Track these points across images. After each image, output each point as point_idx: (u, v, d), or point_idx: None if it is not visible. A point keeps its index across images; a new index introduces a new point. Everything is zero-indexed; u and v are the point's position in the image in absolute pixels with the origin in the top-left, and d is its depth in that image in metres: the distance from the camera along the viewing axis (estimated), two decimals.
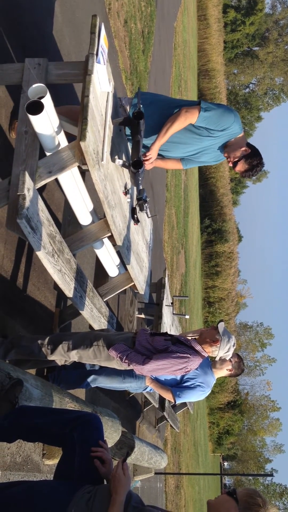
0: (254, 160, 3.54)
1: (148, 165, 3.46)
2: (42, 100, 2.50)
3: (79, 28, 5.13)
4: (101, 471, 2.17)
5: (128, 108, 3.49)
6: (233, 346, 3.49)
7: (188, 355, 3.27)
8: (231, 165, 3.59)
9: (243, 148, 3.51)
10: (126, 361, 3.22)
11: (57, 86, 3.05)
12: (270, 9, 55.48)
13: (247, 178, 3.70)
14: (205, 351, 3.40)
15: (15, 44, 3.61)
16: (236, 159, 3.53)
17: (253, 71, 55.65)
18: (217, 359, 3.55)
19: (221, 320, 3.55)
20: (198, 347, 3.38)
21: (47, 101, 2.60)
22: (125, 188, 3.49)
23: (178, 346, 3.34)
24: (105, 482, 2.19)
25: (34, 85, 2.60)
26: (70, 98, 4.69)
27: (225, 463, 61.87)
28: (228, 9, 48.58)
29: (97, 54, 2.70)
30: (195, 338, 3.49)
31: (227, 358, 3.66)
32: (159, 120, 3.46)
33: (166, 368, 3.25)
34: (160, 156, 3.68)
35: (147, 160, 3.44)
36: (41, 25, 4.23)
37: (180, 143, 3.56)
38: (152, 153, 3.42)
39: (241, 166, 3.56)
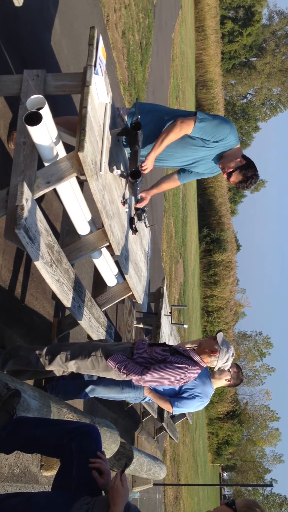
0: (248, 172, 3.53)
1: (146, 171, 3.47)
2: (40, 111, 2.52)
3: (77, 39, 5.17)
4: (99, 482, 2.16)
5: (126, 118, 3.51)
6: (232, 356, 3.47)
7: (187, 366, 3.26)
8: (225, 176, 3.59)
9: (238, 159, 3.50)
10: (124, 371, 3.21)
11: (55, 97, 3.08)
12: (267, 20, 55.99)
13: (241, 189, 3.70)
14: (203, 361, 3.38)
15: (13, 56, 3.64)
16: (230, 170, 3.53)
17: (250, 81, 56.01)
18: (215, 369, 3.53)
19: (220, 330, 3.54)
20: (196, 358, 3.37)
21: (46, 112, 2.62)
22: (123, 198, 3.50)
23: (176, 356, 3.33)
24: (103, 494, 2.17)
25: (32, 96, 2.62)
26: (68, 109, 4.71)
27: (225, 474, 61.53)
28: (226, 20, 49.02)
29: (95, 66, 2.72)
30: (193, 349, 3.48)
31: (226, 369, 3.65)
32: (156, 129, 3.48)
33: (165, 379, 3.24)
34: (156, 166, 3.69)
35: (144, 170, 3.45)
36: (39, 36, 4.27)
37: (175, 152, 3.57)
38: (148, 164, 3.43)
39: (235, 177, 3.55)
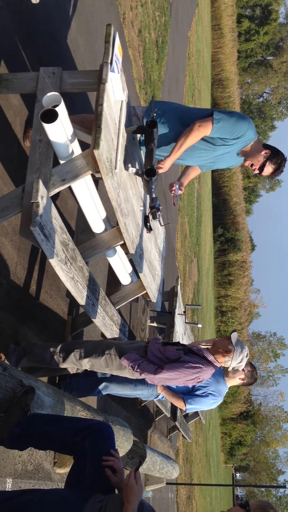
0: (278, 159, 3.53)
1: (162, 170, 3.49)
2: (56, 109, 2.52)
3: (93, 37, 5.17)
4: (112, 480, 2.16)
5: (141, 115, 3.50)
6: (246, 356, 3.45)
7: (201, 365, 3.24)
8: (257, 172, 3.57)
9: (264, 152, 3.49)
10: (138, 370, 3.20)
11: (71, 94, 3.07)
12: (284, 19, 55.55)
13: (276, 177, 3.68)
14: (217, 361, 3.36)
15: (30, 53, 3.65)
16: (261, 164, 3.52)
17: (267, 80, 55.64)
18: (229, 369, 3.51)
19: (234, 330, 3.52)
20: (210, 357, 3.35)
21: (62, 109, 2.62)
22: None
23: (190, 356, 3.31)
24: (116, 492, 2.17)
25: (48, 94, 2.62)
26: (84, 107, 4.72)
27: (237, 474, 61.28)
28: (242, 19, 48.73)
29: (111, 63, 2.72)
30: (207, 348, 3.47)
31: (240, 369, 3.62)
32: (173, 129, 3.47)
33: (178, 378, 3.22)
34: (175, 163, 3.69)
35: (158, 170, 3.45)
36: (56, 34, 4.27)
37: (195, 152, 3.56)
38: (166, 166, 3.43)
39: (269, 169, 3.54)
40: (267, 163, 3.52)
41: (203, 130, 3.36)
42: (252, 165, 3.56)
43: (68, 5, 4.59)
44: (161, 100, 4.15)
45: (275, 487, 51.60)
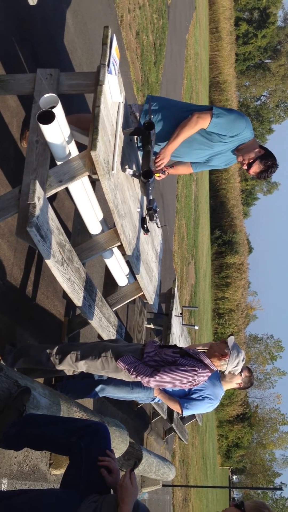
0: (268, 161, 3.54)
1: (159, 168, 3.48)
2: (53, 110, 2.52)
3: (91, 39, 5.18)
4: (107, 480, 2.16)
5: (138, 115, 3.50)
6: (242, 361, 3.45)
7: (197, 369, 3.24)
8: (245, 167, 3.58)
9: (257, 150, 3.51)
10: (134, 373, 3.20)
11: (68, 96, 3.08)
12: (282, 22, 55.66)
13: (262, 179, 3.69)
14: (213, 364, 3.37)
15: (27, 55, 3.65)
16: (251, 161, 3.53)
17: (264, 83, 55.74)
18: (225, 373, 3.52)
19: (231, 334, 3.52)
20: (207, 361, 3.35)
21: (59, 111, 2.62)
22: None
23: (186, 359, 3.31)
24: (112, 492, 2.17)
25: (45, 95, 2.63)
26: (81, 108, 4.72)
27: (234, 477, 61.21)
28: (240, 22, 48.81)
29: (108, 65, 2.72)
30: (204, 352, 3.47)
31: (236, 373, 3.62)
32: (172, 124, 3.47)
33: (174, 381, 3.23)
34: (172, 161, 3.69)
35: (158, 163, 3.45)
36: (53, 36, 4.28)
37: (191, 149, 3.57)
38: (164, 156, 3.43)
39: (256, 168, 3.55)
40: (257, 162, 3.53)
41: (201, 121, 3.37)
42: (243, 159, 3.56)
43: (65, 7, 4.60)
44: (158, 96, 4.15)
45: (271, 489, 51.63)
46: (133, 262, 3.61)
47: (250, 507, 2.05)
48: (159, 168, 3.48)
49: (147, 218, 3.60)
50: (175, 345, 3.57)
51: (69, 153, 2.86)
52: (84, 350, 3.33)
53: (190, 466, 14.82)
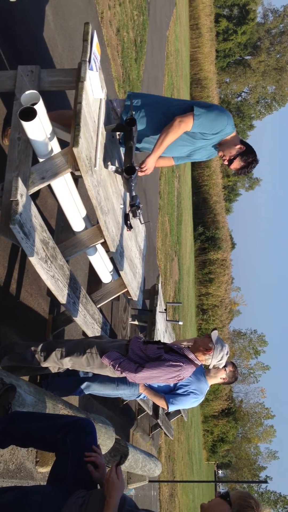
0: (249, 157, 3.58)
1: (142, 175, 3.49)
2: (35, 107, 2.52)
3: (71, 36, 5.16)
4: (94, 475, 2.17)
5: (119, 111, 3.50)
6: (226, 354, 3.48)
7: (181, 364, 3.26)
8: (226, 163, 3.61)
9: (238, 146, 3.54)
10: (119, 369, 3.21)
11: (50, 93, 3.07)
12: (261, 19, 55.85)
13: (242, 175, 3.73)
14: (198, 359, 3.39)
15: (8, 52, 3.63)
16: (231, 157, 3.56)
17: (245, 80, 55.97)
18: (210, 367, 3.54)
19: (215, 329, 3.54)
20: (191, 356, 3.37)
21: (40, 107, 2.62)
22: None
23: (171, 354, 3.33)
24: (98, 487, 2.18)
25: (27, 92, 2.62)
26: (62, 105, 4.70)
27: (220, 471, 61.61)
28: (220, 18, 48.94)
29: (89, 61, 2.72)
30: (188, 347, 3.49)
31: (221, 367, 3.66)
32: (154, 120, 3.48)
33: (159, 377, 3.24)
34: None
35: (143, 172, 3.46)
36: (34, 33, 4.26)
37: (174, 145, 3.58)
38: (149, 165, 3.44)
39: (237, 164, 3.58)
40: (238, 158, 3.56)
41: (184, 126, 3.39)
42: (224, 155, 3.59)
43: (45, 3, 4.57)
44: (139, 92, 4.15)
45: (257, 482, 52.08)
46: (116, 259, 3.62)
47: (236, 497, 2.07)
48: (142, 175, 3.50)
49: (130, 215, 3.60)
50: (160, 341, 3.59)
51: (52, 150, 2.85)
52: (69, 347, 3.33)
53: (176, 461, 14.88)
